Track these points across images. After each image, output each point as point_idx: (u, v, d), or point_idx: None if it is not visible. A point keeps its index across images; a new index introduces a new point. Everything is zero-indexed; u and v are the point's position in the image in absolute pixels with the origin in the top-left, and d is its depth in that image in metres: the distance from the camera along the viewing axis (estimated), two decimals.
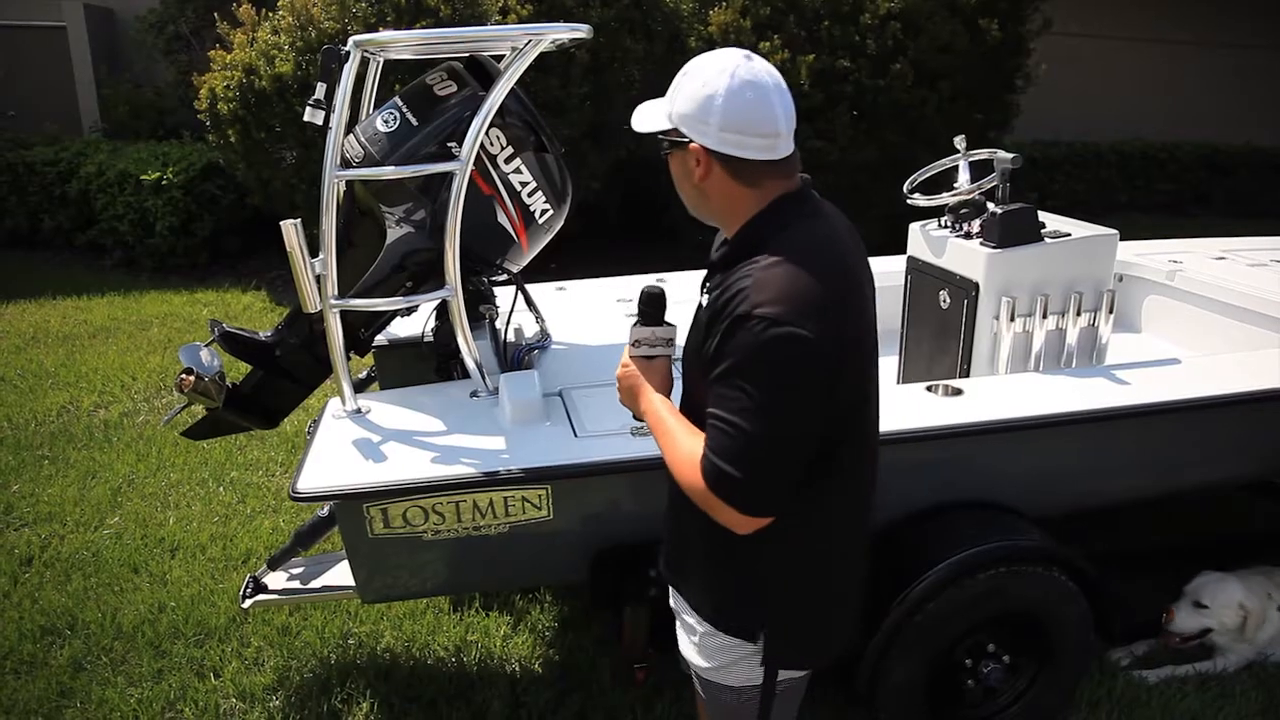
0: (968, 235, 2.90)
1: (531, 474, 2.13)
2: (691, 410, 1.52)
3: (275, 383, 2.74)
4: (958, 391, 2.52)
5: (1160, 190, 9.25)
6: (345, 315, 2.46)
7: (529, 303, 2.98)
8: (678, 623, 1.71)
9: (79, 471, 4.03)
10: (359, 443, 2.25)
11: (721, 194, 1.47)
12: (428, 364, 2.76)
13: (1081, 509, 2.66)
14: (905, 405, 2.45)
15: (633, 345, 1.64)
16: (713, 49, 1.50)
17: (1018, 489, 2.49)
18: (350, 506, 2.11)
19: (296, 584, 2.45)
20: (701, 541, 1.57)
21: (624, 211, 7.55)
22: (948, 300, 2.94)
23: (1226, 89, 9.93)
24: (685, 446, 1.45)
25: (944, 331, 2.96)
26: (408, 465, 2.14)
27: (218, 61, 6.43)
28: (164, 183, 6.68)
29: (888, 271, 3.74)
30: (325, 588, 2.44)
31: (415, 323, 3.00)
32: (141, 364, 5.31)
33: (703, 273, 1.61)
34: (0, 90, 8.34)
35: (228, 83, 6.25)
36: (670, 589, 1.73)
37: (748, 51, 1.44)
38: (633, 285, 3.62)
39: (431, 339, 2.80)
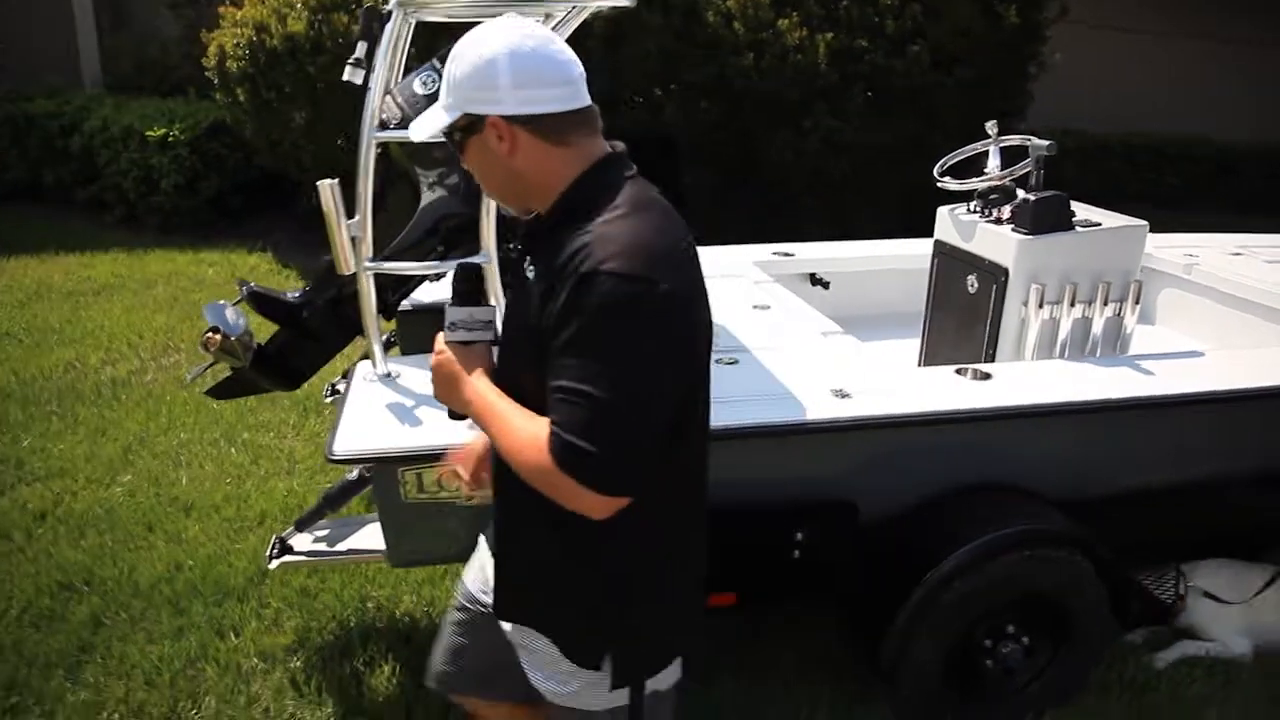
0: (998, 221, 2.90)
1: None
2: (519, 402, 1.36)
3: (300, 344, 2.73)
4: (987, 376, 2.54)
5: (1169, 185, 9.26)
6: (375, 278, 2.46)
7: None
8: (520, 656, 1.54)
9: (88, 428, 4.01)
10: (392, 406, 2.25)
11: (534, 163, 1.35)
12: None
13: (1101, 496, 2.69)
14: (935, 387, 2.46)
15: (448, 329, 1.47)
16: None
17: (1042, 474, 2.51)
18: (385, 470, 2.11)
19: (323, 546, 2.45)
20: (543, 554, 1.44)
21: None
22: (975, 285, 2.94)
23: (1237, 84, 9.92)
24: (525, 430, 1.30)
25: (970, 316, 2.97)
26: (443, 430, 2.13)
27: (227, 18, 6.33)
28: (169, 140, 6.60)
29: (909, 255, 3.78)
30: (352, 551, 2.44)
31: (437, 288, 2.98)
32: (147, 322, 5.27)
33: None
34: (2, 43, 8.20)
35: (237, 40, 6.16)
36: (504, 624, 1.56)
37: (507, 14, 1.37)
38: None
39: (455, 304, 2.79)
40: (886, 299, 3.73)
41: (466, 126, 1.35)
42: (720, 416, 2.20)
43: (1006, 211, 2.90)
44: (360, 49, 2.32)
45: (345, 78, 2.36)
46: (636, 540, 1.40)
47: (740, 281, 3.39)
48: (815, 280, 3.75)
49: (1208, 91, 10.04)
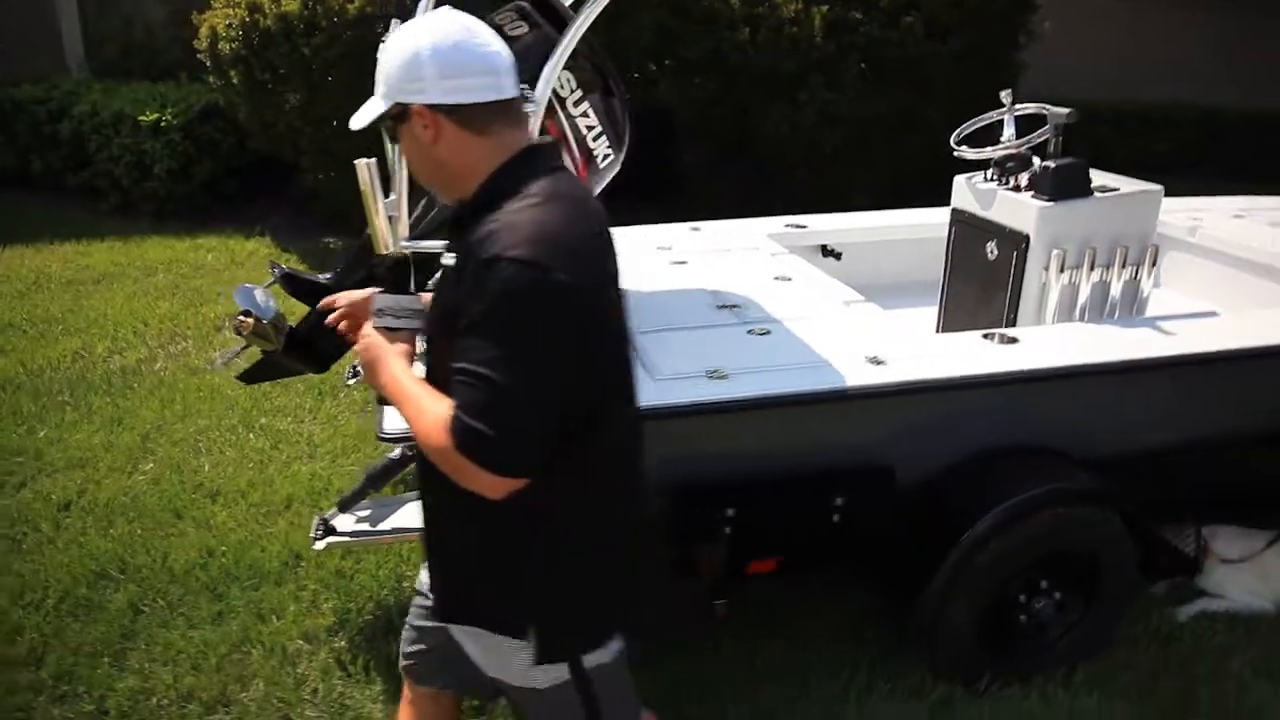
0: (1016, 188, 2.94)
1: None
2: (440, 385, 1.38)
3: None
4: (1013, 340, 2.58)
5: (1156, 151, 9.33)
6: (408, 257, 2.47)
7: None
8: (468, 648, 1.57)
9: (104, 418, 4.00)
10: None
11: (457, 152, 1.40)
12: None
13: (1126, 454, 2.75)
14: (965, 352, 2.50)
15: (375, 315, 1.52)
16: None
17: (1070, 434, 2.57)
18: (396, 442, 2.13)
19: (366, 526, 2.47)
20: (467, 538, 1.48)
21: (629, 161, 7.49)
22: (995, 251, 2.98)
23: (1224, 51, 9.99)
24: (431, 411, 1.33)
25: (990, 282, 3.01)
26: None
27: None
28: (162, 124, 6.52)
29: (919, 224, 3.82)
30: (396, 529, 2.46)
31: None
32: (151, 310, 5.23)
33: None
34: None
35: (230, 21, 6.08)
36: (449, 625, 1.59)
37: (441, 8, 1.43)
38: (673, 233, 3.63)
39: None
40: (898, 269, 3.76)
41: (397, 115, 1.40)
42: (759, 386, 2.26)
43: (1024, 179, 2.94)
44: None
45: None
46: (557, 519, 1.44)
47: (757, 254, 3.42)
48: (827, 251, 3.79)
49: (1195, 58, 10.10)
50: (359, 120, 1.44)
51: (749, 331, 2.62)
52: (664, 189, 7.07)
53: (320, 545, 2.42)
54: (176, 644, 2.67)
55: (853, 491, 2.38)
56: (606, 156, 2.65)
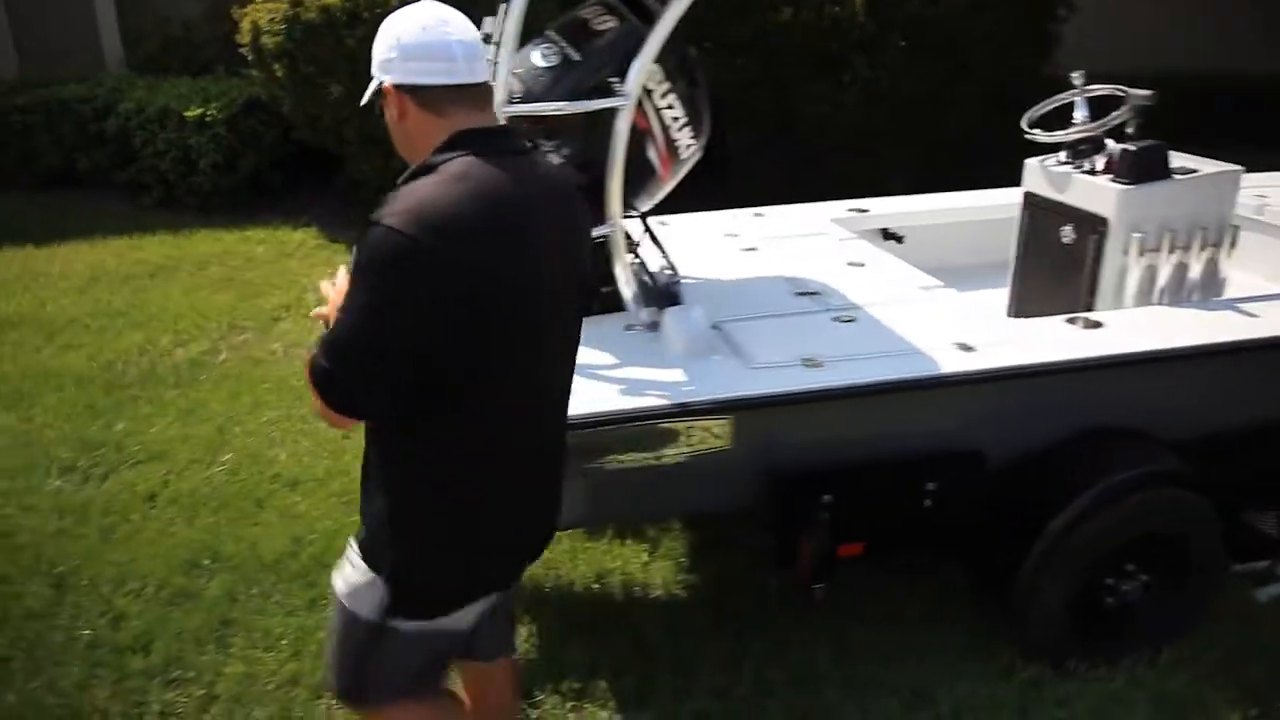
0: (1092, 171, 2.93)
1: (718, 405, 2.20)
2: None
3: None
4: (1097, 324, 2.60)
5: (1192, 124, 9.25)
6: None
7: (654, 238, 3.01)
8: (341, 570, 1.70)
9: (177, 410, 4.08)
10: None
11: (417, 129, 1.53)
12: None
13: (1207, 437, 2.76)
14: (1049, 337, 2.52)
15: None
16: None
17: (1157, 417, 2.58)
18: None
19: None
20: (365, 464, 1.63)
21: None
22: (1072, 235, 2.99)
23: (1255, 18, 9.85)
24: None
25: (1065, 265, 3.02)
26: (595, 398, 2.20)
27: None
28: (206, 119, 6.58)
29: (984, 206, 3.82)
30: None
31: None
32: (209, 303, 5.31)
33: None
34: (18, 26, 8.13)
35: (272, 15, 6.12)
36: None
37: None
38: (738, 220, 3.65)
39: None
40: (961, 252, 3.76)
41: (377, 92, 1.56)
42: (857, 374, 2.29)
43: (1100, 162, 2.93)
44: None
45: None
46: (421, 481, 1.57)
47: (825, 240, 3.44)
48: (888, 235, 3.79)
49: (1229, 27, 9.95)
50: (364, 98, 1.60)
51: (834, 318, 2.65)
52: (711, 171, 7.07)
53: None
54: (275, 630, 2.74)
55: (944, 476, 2.41)
56: (689, 146, 2.67)
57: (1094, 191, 2.88)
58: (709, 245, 3.38)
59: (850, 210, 3.84)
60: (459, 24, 1.52)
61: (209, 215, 6.86)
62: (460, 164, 1.47)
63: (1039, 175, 3.11)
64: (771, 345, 2.43)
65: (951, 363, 2.35)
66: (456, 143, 1.49)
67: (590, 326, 2.59)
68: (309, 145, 6.69)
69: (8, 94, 7.31)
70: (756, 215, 3.77)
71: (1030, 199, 3.16)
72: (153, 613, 2.82)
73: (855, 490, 2.35)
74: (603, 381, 2.29)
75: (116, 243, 6.29)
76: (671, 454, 2.25)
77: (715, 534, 3.10)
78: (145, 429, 3.92)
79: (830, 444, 2.37)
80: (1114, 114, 2.94)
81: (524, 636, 2.69)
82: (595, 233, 2.47)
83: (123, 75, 7.57)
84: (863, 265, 3.12)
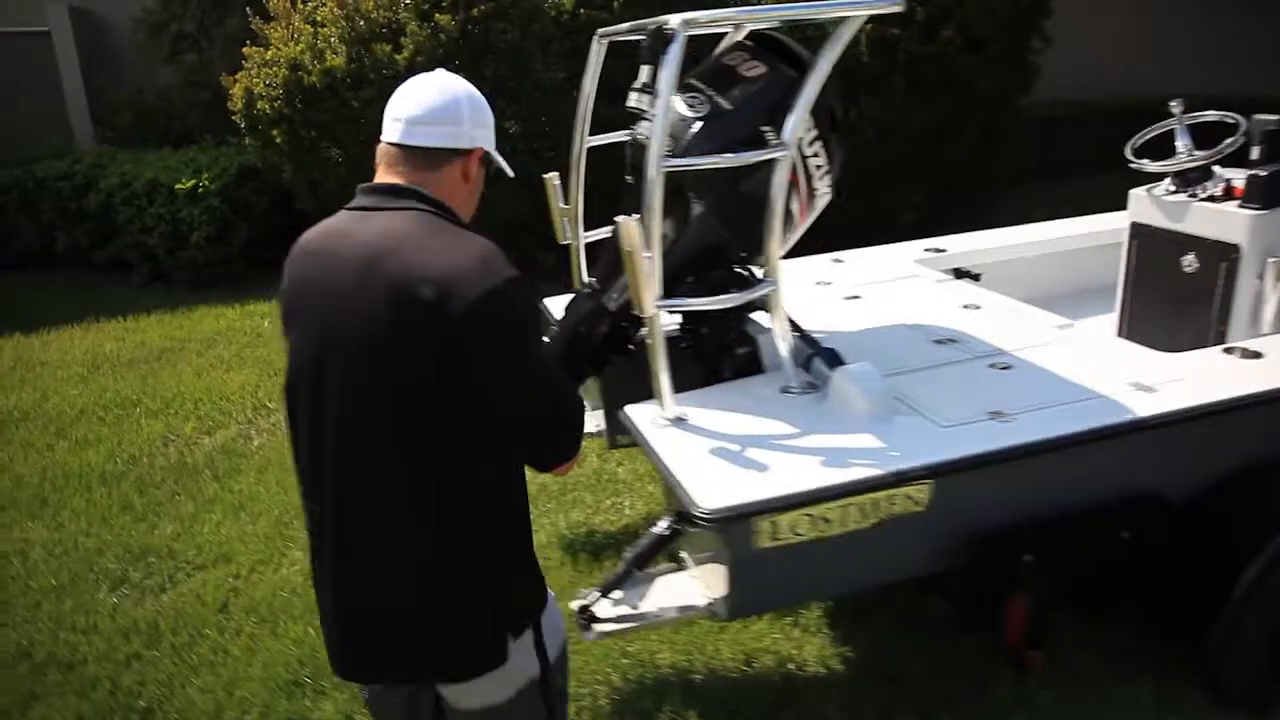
0: (1212, 199, 2.89)
1: (921, 471, 2.04)
2: None
3: None
4: (1257, 354, 2.52)
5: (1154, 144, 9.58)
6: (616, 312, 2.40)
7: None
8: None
9: (225, 506, 3.77)
10: (719, 452, 2.13)
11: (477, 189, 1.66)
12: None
13: None
14: (1218, 372, 2.43)
15: None
16: None
17: None
18: (739, 521, 1.99)
19: (627, 609, 2.31)
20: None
21: None
22: (1195, 264, 2.93)
23: (1225, 42, 10.29)
24: None
25: (1190, 295, 2.96)
26: (793, 472, 2.03)
27: (253, 58, 6.07)
28: (199, 190, 6.29)
29: (1056, 238, 3.77)
30: (664, 610, 2.30)
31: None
32: (226, 383, 5.01)
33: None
34: None
35: (269, 80, 5.91)
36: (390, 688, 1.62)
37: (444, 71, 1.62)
38: (817, 266, 3.54)
39: (689, 336, 2.70)
40: (1037, 285, 3.70)
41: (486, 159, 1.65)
42: (1048, 426, 2.16)
43: (1215, 188, 2.89)
44: (645, 73, 2.21)
45: (631, 104, 2.24)
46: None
47: (921, 282, 3.34)
48: (961, 274, 3.72)
49: (1197, 51, 10.35)
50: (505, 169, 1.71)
51: (990, 366, 2.53)
52: None
53: (591, 637, 2.25)
54: None
55: (1136, 522, 2.29)
56: (824, 195, 2.55)
57: (1220, 218, 2.83)
58: (807, 295, 3.25)
59: (927, 250, 3.76)
60: (430, 84, 1.57)
61: (202, 291, 6.54)
62: (333, 217, 1.56)
63: (1148, 205, 3.06)
64: (948, 400, 2.29)
65: (1143, 405, 2.23)
66: (353, 196, 1.58)
67: (735, 393, 2.46)
68: (302, 214, 6.45)
69: None
70: (835, 261, 3.67)
71: (1139, 229, 3.11)
72: None
73: (1058, 546, 2.21)
74: (789, 453, 2.12)
75: (112, 325, 5.93)
76: (867, 523, 2.09)
77: (853, 600, 2.93)
78: (196, 530, 3.61)
79: (1027, 500, 2.23)
80: (1227, 141, 2.91)
81: None
82: (758, 291, 2.33)
83: (102, 150, 7.24)
84: (979, 307, 3.02)
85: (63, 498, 3.90)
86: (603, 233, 3.10)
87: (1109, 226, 3.80)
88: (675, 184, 2.33)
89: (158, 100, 7.58)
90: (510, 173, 1.68)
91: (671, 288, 2.45)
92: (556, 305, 3.36)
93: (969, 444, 2.11)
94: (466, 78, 1.66)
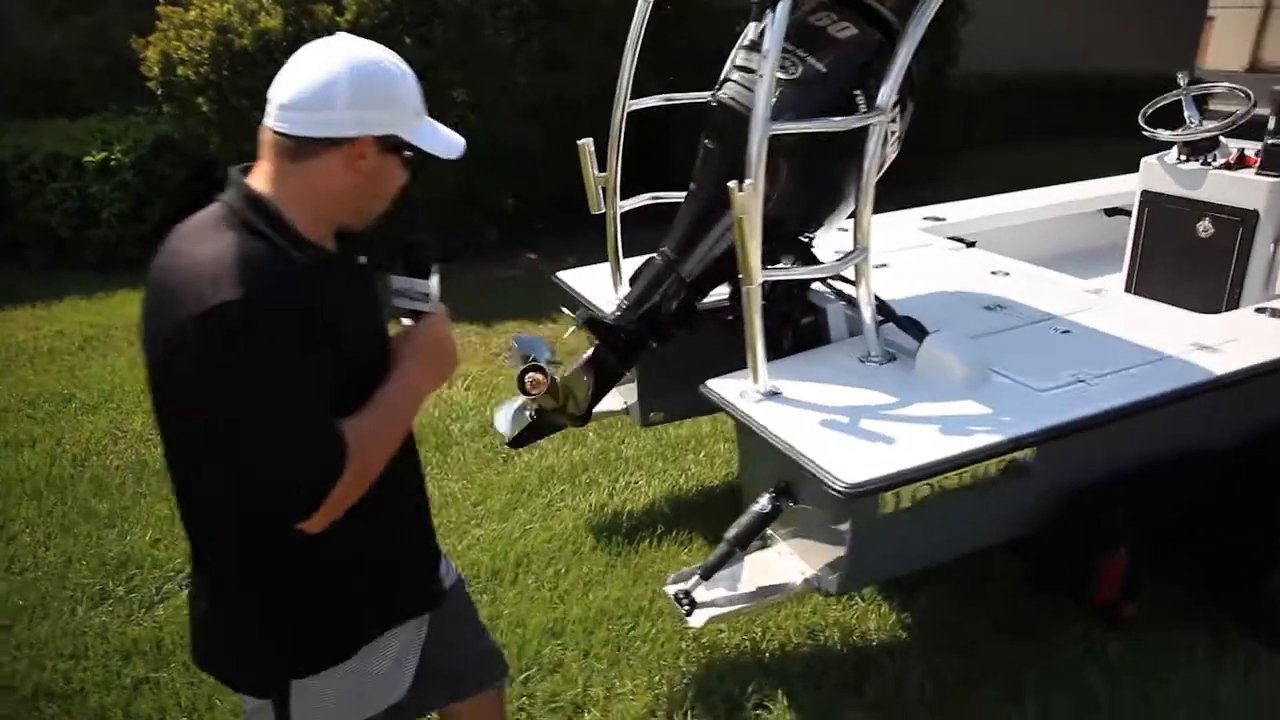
0: (1228, 166, 3.01)
1: (1030, 437, 2.04)
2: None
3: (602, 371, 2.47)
4: None
5: (1064, 117, 10.09)
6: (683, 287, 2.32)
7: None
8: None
9: None
10: (830, 425, 2.08)
11: None
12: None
13: None
14: (1263, 331, 2.53)
15: (393, 295, 1.50)
16: None
17: None
18: (864, 495, 1.94)
19: (724, 592, 2.22)
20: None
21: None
22: (1210, 229, 3.05)
23: (1130, 18, 10.93)
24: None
25: (1203, 259, 3.08)
26: (917, 442, 2.00)
27: (170, 20, 5.55)
28: (112, 163, 5.73)
29: (1049, 205, 3.87)
30: (770, 589, 2.23)
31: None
32: None
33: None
34: None
35: (193, 44, 5.42)
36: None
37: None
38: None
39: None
40: (1033, 251, 3.80)
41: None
42: (1135, 388, 2.19)
43: (1229, 156, 3.02)
44: (753, 30, 2.09)
45: (739, 63, 2.13)
46: None
47: (939, 250, 3.37)
48: (954, 239, 3.78)
49: (1102, 26, 10.94)
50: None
51: (1052, 330, 2.56)
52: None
53: (700, 622, 2.15)
54: None
55: (1207, 476, 2.37)
56: (891, 158, 2.51)
57: (1237, 186, 2.95)
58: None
59: (927, 219, 3.80)
60: (313, 60, 1.33)
61: (115, 273, 5.95)
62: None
63: (1160, 173, 3.17)
64: (1031, 365, 2.30)
65: (1217, 365, 2.30)
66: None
67: (814, 364, 2.40)
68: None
69: None
70: (841, 230, 3.66)
71: (1151, 197, 3.21)
72: None
73: (1148, 503, 2.26)
74: (903, 423, 2.08)
75: (20, 313, 5.34)
76: (974, 490, 2.08)
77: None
78: (178, 533, 3.27)
79: (1115, 459, 2.27)
80: (1240, 111, 3.03)
81: (778, 713, 2.41)
82: (849, 260, 2.26)
83: None
84: (1008, 274, 3.06)
85: (6, 507, 3.48)
86: (634, 202, 2.98)
87: (1095, 194, 3.94)
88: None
89: (50, 66, 6.83)
90: (444, 154, 1.40)
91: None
92: (581, 275, 3.23)
93: (1071, 408, 2.13)
94: (413, 42, 1.47)
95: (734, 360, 2.35)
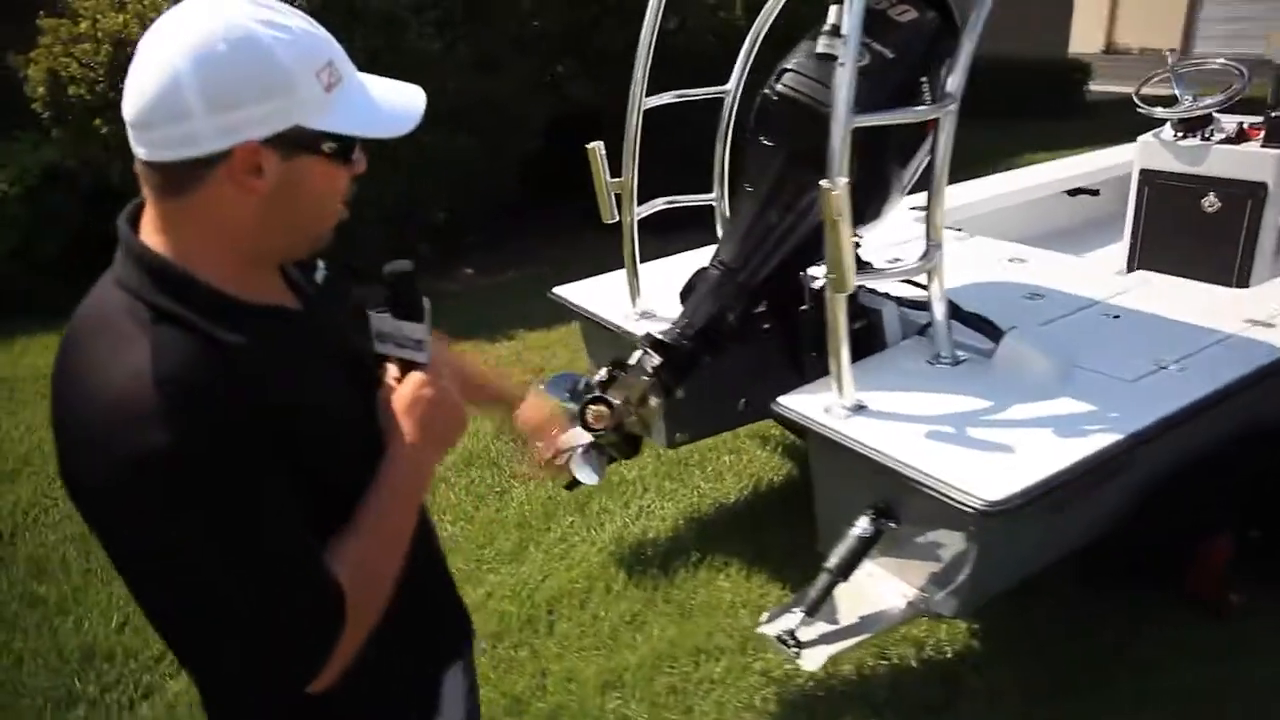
0: (1229, 140, 3.03)
1: (1147, 430, 1.95)
2: None
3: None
4: None
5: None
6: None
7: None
8: None
9: None
10: (936, 436, 1.94)
11: None
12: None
13: None
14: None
15: (376, 339, 1.11)
16: None
17: None
18: (1007, 512, 1.79)
19: (826, 627, 2.04)
20: None
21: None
22: (1216, 203, 3.06)
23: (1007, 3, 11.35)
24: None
25: (1210, 234, 3.09)
26: (1040, 449, 1.87)
27: (54, 33, 4.99)
28: None
29: (1032, 186, 3.85)
30: (870, 619, 2.05)
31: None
32: None
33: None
34: None
35: (85, 61, 4.88)
36: None
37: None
38: None
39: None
40: (1018, 231, 3.78)
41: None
42: (1222, 372, 2.13)
43: (1226, 131, 3.03)
44: (833, 14, 1.92)
45: (821, 49, 1.95)
46: None
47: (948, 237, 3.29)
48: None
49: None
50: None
51: (1102, 316, 2.50)
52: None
53: (814, 664, 1.96)
54: None
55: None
56: None
57: (1243, 159, 2.97)
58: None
59: (913, 209, 3.72)
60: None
61: (4, 320, 5.33)
62: None
63: (1159, 151, 3.16)
64: (1105, 355, 2.22)
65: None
66: None
67: (883, 370, 2.24)
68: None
69: None
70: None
71: (1149, 175, 3.21)
72: None
73: (1248, 489, 2.21)
74: (1012, 428, 1.95)
75: None
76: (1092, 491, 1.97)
77: None
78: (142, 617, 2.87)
79: (1200, 445, 2.21)
80: (1235, 87, 3.05)
81: None
82: (921, 265, 2.12)
83: None
84: (1025, 260, 2.99)
85: None
86: (648, 209, 2.79)
87: (1058, 176, 3.95)
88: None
89: None
90: (384, 132, 1.00)
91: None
92: (580, 290, 3.02)
93: (1170, 397, 2.05)
94: None
95: (763, 374, 2.19)
